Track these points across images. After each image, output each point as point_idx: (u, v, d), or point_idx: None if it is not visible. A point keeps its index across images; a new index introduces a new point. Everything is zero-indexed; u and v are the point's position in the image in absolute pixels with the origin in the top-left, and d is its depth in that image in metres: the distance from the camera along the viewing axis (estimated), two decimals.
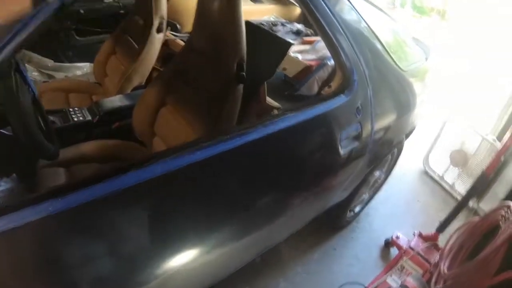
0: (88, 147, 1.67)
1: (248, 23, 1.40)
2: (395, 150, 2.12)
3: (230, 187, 1.13)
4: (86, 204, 0.83)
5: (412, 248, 2.11)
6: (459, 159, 2.76)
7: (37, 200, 0.79)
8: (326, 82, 1.78)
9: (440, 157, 2.98)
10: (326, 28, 1.35)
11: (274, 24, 2.54)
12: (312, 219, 1.77)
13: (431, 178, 3.06)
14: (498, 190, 2.46)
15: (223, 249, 1.19)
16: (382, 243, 2.30)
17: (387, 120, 1.66)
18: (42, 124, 1.26)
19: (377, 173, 2.15)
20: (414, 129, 2.18)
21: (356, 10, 1.55)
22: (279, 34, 2.34)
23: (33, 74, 2.59)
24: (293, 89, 1.91)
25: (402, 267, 2.04)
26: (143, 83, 2.18)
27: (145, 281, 0.98)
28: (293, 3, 2.91)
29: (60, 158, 1.31)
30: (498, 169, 2.31)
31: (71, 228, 0.85)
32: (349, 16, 1.51)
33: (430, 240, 2.17)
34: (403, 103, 1.77)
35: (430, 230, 2.22)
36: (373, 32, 1.58)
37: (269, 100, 1.71)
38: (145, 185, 0.91)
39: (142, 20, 2.18)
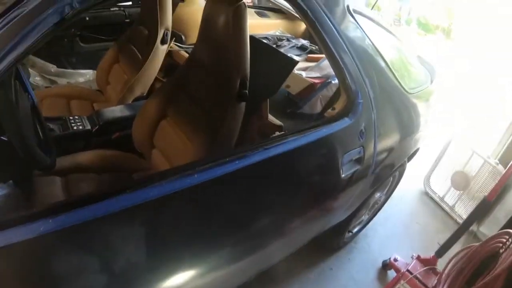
0: (86, 156, 1.65)
1: (252, 38, 1.38)
2: (397, 173, 2.10)
3: (229, 210, 1.11)
4: (79, 225, 0.80)
5: (410, 272, 2.08)
6: (460, 181, 2.74)
7: (30, 218, 0.77)
8: (330, 101, 1.76)
9: (441, 178, 2.96)
10: (332, 47, 1.32)
11: (280, 39, 2.53)
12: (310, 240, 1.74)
13: (431, 199, 3.03)
14: (499, 215, 2.43)
15: (219, 271, 1.17)
16: (380, 264, 2.26)
17: (390, 143, 1.64)
18: (40, 132, 1.24)
19: (377, 195, 2.12)
20: (417, 151, 2.16)
21: (362, 28, 1.52)
22: (284, 50, 2.33)
23: (35, 79, 2.58)
24: (295, 107, 1.89)
25: None
26: (145, 94, 2.17)
27: None
28: (299, 19, 2.90)
29: (57, 167, 1.29)
30: (500, 193, 2.29)
31: (62, 249, 0.82)
32: (355, 34, 1.47)
33: (429, 264, 2.13)
34: (407, 125, 1.75)
35: (429, 252, 2.19)
36: (378, 52, 1.55)
37: (270, 117, 1.69)
38: (141, 208, 0.89)
39: (147, 30, 2.18)
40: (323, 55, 2.13)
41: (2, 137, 1.03)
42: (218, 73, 1.40)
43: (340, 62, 1.34)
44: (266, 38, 2.49)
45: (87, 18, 2.57)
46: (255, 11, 2.99)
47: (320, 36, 1.30)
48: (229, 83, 1.31)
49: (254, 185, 1.15)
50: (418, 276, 2.05)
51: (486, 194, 2.19)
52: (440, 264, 2.07)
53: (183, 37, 2.61)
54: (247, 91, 1.31)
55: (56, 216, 0.78)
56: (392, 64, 1.60)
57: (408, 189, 3.00)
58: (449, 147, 2.91)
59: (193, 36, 2.35)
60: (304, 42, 2.54)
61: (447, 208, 2.90)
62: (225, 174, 1.02)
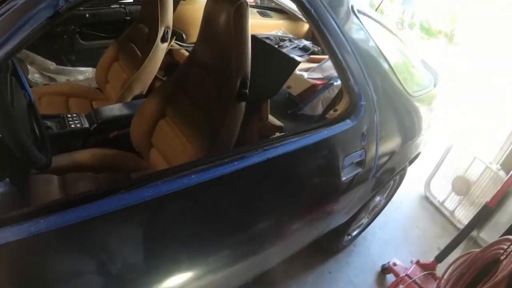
0: (84, 155, 1.63)
1: (254, 38, 1.36)
2: (398, 176, 2.08)
3: (227, 211, 1.08)
4: (75, 225, 0.78)
5: (409, 276, 2.06)
6: (461, 186, 2.72)
7: (26, 217, 0.75)
8: (332, 103, 1.74)
9: (441, 182, 2.94)
10: (335, 47, 1.29)
11: (282, 40, 2.52)
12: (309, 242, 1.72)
13: (431, 203, 3.01)
14: (500, 221, 2.41)
15: (216, 273, 1.14)
16: (379, 268, 2.25)
17: (392, 146, 1.61)
18: (36, 130, 1.22)
19: (377, 198, 2.10)
20: (418, 155, 2.14)
21: (366, 29, 1.49)
22: (286, 50, 2.31)
23: (34, 76, 2.56)
24: (296, 108, 1.86)
25: None
26: (144, 92, 2.15)
27: None
28: (302, 19, 2.89)
29: (54, 165, 1.28)
30: (501, 199, 2.27)
31: (56, 249, 0.80)
32: (358, 35, 1.44)
33: (428, 269, 2.13)
34: (409, 129, 1.73)
35: (428, 257, 2.18)
36: (382, 53, 1.53)
37: (271, 118, 1.67)
38: (138, 207, 0.87)
39: (147, 28, 2.16)
40: (326, 56, 2.12)
41: None
42: (218, 72, 1.38)
43: (343, 63, 1.31)
44: (268, 38, 2.47)
45: (87, 15, 2.55)
46: (257, 11, 2.97)
47: (323, 36, 1.27)
48: (230, 83, 1.29)
49: (253, 187, 1.13)
50: (417, 281, 2.04)
51: (487, 200, 2.18)
52: (440, 269, 2.06)
53: (184, 35, 2.60)
54: (247, 91, 1.29)
55: (53, 215, 0.77)
56: (395, 67, 1.58)
57: (408, 193, 2.98)
58: (451, 152, 2.90)
59: (194, 34, 2.34)
60: (307, 43, 2.52)
61: (447, 213, 2.88)
62: (223, 175, 1.00)
